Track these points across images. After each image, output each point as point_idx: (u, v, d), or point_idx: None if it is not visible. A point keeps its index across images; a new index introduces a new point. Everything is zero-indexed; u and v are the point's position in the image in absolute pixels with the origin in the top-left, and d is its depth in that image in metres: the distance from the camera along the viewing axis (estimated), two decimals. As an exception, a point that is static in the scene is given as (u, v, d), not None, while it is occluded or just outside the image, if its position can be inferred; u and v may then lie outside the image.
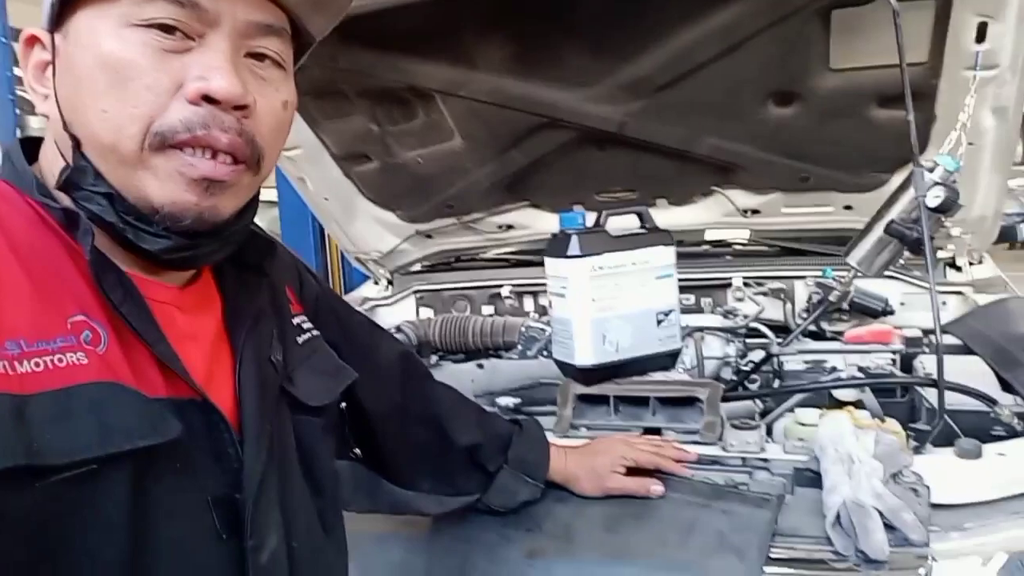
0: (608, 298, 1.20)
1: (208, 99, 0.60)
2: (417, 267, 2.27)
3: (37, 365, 0.55)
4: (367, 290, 2.26)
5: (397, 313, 2.13)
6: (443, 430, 1.02)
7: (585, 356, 1.21)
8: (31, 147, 0.68)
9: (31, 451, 0.53)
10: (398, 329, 1.85)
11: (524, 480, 1.05)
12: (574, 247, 1.18)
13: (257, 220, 0.75)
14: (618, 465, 1.09)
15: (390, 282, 2.22)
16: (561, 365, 1.27)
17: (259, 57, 0.65)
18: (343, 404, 0.88)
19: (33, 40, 0.66)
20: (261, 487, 0.67)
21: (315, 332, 0.85)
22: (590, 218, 1.25)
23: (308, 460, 0.77)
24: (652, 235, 1.25)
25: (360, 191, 1.96)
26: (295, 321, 0.83)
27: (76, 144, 0.62)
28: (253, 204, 0.70)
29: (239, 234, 0.70)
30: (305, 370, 0.79)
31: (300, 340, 0.81)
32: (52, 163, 0.65)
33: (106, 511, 0.57)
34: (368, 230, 2.06)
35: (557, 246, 1.21)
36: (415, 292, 2.16)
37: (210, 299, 0.73)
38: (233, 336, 0.72)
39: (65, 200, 0.63)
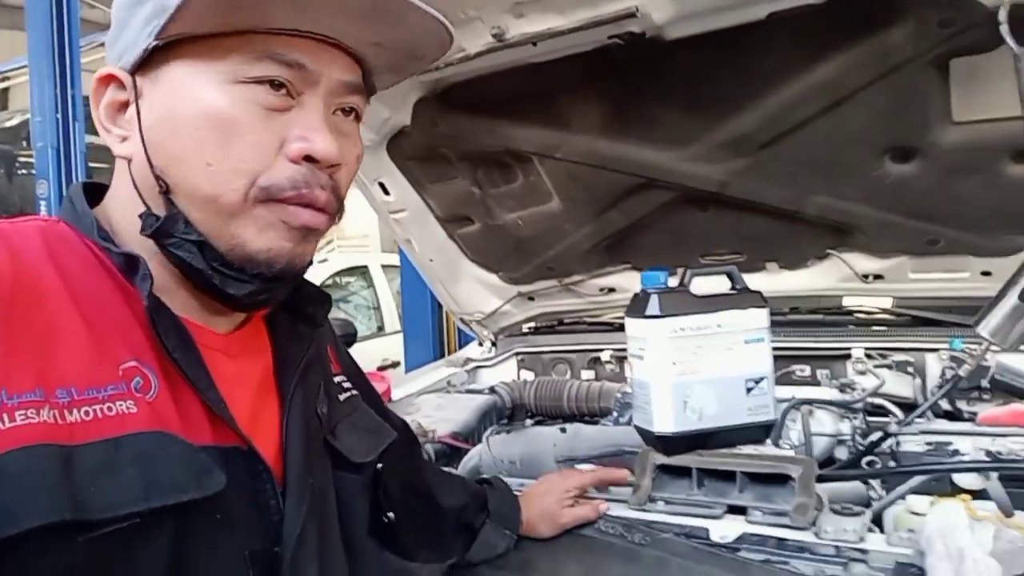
0: (690, 362, 1.13)
1: (307, 158, 0.63)
2: (524, 329, 2.26)
3: (87, 414, 0.54)
4: (471, 351, 2.28)
5: (498, 375, 2.12)
6: (434, 498, 1.05)
7: (664, 423, 1.14)
8: (93, 192, 0.68)
9: (77, 505, 0.51)
10: (492, 390, 1.84)
11: (503, 533, 1.11)
12: (653, 307, 1.13)
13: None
14: (566, 500, 1.17)
15: (493, 343, 2.23)
16: (641, 432, 1.20)
17: (345, 111, 0.68)
18: (379, 465, 0.86)
19: (108, 79, 0.64)
20: (300, 541, 0.65)
21: (355, 392, 0.85)
22: (675, 278, 1.20)
23: (344, 518, 0.76)
24: (741, 296, 1.16)
25: (464, 252, 2.00)
26: (336, 379, 0.83)
27: (165, 190, 0.62)
28: None
29: (301, 276, 0.72)
30: (347, 426, 0.79)
31: (342, 398, 0.82)
32: (125, 206, 0.65)
33: (145, 566, 0.55)
34: (471, 291, 2.09)
35: (637, 306, 1.16)
36: (516, 354, 2.15)
37: (258, 346, 0.73)
38: (282, 384, 0.72)
39: (126, 243, 0.63)
